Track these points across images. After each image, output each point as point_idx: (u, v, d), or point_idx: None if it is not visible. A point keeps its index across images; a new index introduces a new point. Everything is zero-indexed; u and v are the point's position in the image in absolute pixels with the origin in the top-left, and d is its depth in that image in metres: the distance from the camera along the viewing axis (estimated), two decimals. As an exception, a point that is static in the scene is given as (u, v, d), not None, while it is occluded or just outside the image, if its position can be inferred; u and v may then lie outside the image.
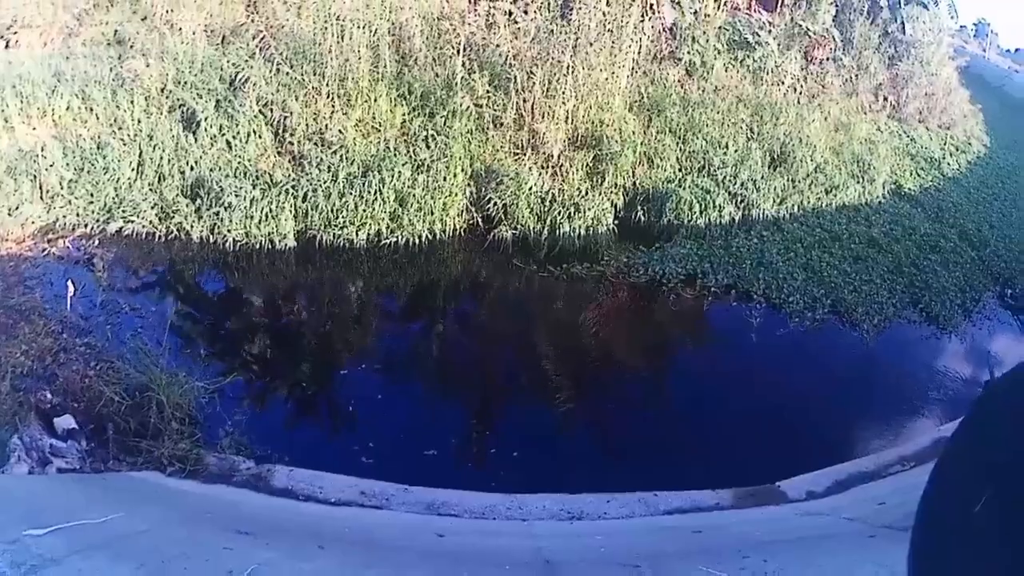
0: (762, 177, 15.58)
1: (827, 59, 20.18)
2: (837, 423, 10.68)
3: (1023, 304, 15.10)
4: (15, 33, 14.47)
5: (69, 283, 9.58)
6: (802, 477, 8.96)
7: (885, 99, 21.55)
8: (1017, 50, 38.34)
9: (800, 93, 18.81)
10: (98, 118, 12.97)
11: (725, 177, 15.24)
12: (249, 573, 4.38)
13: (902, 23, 22.08)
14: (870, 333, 12.70)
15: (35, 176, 11.93)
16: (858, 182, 17.10)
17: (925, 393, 11.74)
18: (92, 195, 12.03)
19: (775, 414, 10.41)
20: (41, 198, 11.86)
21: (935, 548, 1.17)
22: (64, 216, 11.84)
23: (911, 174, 19.18)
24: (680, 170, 15.17)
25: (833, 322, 12.90)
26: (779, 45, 18.85)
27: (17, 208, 11.61)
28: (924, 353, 12.93)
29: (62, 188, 11.96)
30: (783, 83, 18.44)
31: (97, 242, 11.74)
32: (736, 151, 15.74)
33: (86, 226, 11.85)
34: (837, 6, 20.99)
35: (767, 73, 18.48)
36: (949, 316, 13.69)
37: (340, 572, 5.08)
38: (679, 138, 15.56)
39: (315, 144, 13.12)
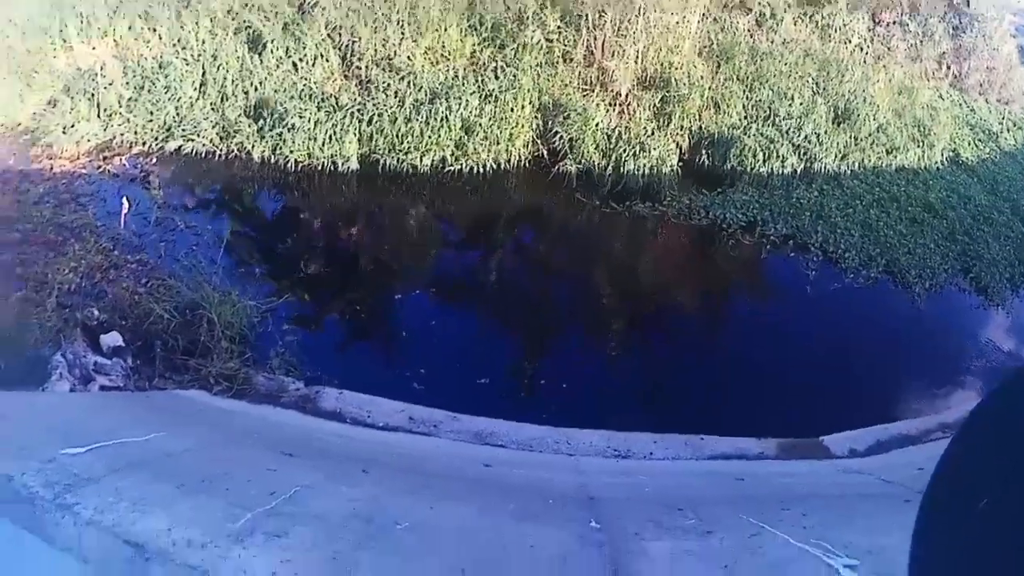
0: (825, 131, 15.45)
1: (894, 23, 19.98)
2: (883, 383, 10.72)
3: (1070, 286, 14.97)
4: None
5: (124, 200, 9.67)
6: (845, 434, 9.03)
7: (948, 68, 21.27)
8: (1076, 35, 37.75)
9: (866, 53, 18.62)
10: (161, 39, 13.00)
11: (789, 128, 15.11)
12: (291, 495, 4.40)
13: (967, -4, 21.86)
14: (921, 296, 12.68)
15: (93, 94, 11.97)
16: (918, 146, 16.93)
17: (969, 363, 11.80)
18: (152, 113, 12.09)
19: (824, 367, 10.50)
20: (99, 116, 11.91)
21: (936, 551, 1.16)
22: (122, 134, 11.90)
23: (969, 144, 18.96)
24: (745, 118, 15.06)
25: (886, 281, 12.88)
26: (848, 4, 18.67)
27: (73, 126, 11.65)
28: (971, 322, 12.95)
29: (120, 106, 12.02)
30: (850, 41, 18.26)
31: (155, 160, 11.81)
32: (801, 104, 15.59)
33: (144, 144, 11.92)
34: (905, -29, 20.66)
35: (835, 30, 18.30)
36: (998, 288, 13.65)
37: (385, 498, 5.07)
38: (746, 86, 15.45)
39: (383, 69, 13.11)
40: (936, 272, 13.31)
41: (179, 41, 12.99)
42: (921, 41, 20.34)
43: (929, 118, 17.69)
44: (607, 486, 6.73)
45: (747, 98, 15.29)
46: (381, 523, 4.31)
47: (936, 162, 17.14)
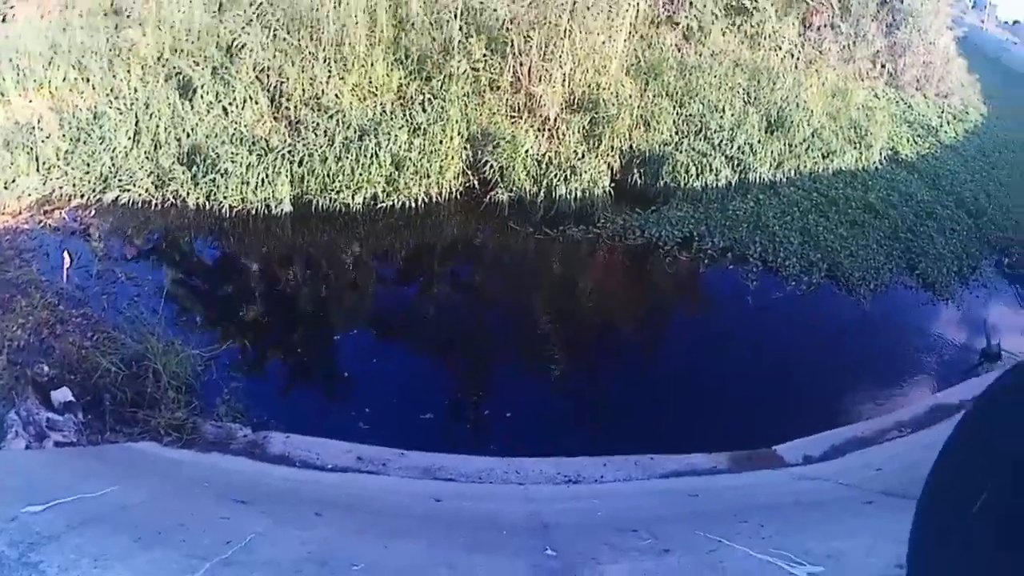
0: (759, 141, 15.56)
1: (825, 25, 20.12)
2: (833, 388, 10.77)
3: (1020, 272, 15.10)
4: (12, 7, 14.45)
5: (65, 254, 9.65)
6: (799, 441, 9.03)
7: (883, 66, 21.48)
8: (1016, 22, 38.10)
9: (797, 59, 18.76)
10: (94, 88, 13.01)
11: (722, 141, 15.21)
12: (246, 543, 4.41)
13: (900, -9, 22.03)
14: (866, 298, 12.79)
15: (31, 148, 11.93)
16: (855, 148, 17.07)
17: (921, 359, 11.86)
18: (88, 165, 12.06)
19: (771, 378, 10.57)
20: (37, 170, 11.88)
21: (934, 547, 1.17)
22: (60, 187, 11.88)
23: (908, 141, 19.13)
24: (677, 134, 15.13)
25: (829, 286, 12.99)
26: (776, 11, 18.78)
27: (13, 181, 11.62)
28: (920, 319, 13.01)
29: (58, 159, 12.00)
30: (780, 48, 18.37)
31: (93, 212, 11.79)
32: (733, 115, 15.69)
33: (82, 196, 11.89)
34: (836, -29, 20.82)
35: (764, 38, 18.43)
36: (946, 283, 13.77)
37: (337, 539, 5.09)
38: (676, 102, 15.53)
39: (311, 109, 13.13)
40: (880, 272, 13.43)
41: (112, 90, 12.98)
42: (854, 42, 20.53)
43: (865, 118, 17.86)
44: (559, 512, 6.75)
45: (677, 114, 15.36)
46: (335, 566, 4.34)
47: (875, 162, 17.32)
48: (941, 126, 20.92)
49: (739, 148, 15.19)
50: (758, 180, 15.18)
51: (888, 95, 20.93)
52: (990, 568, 1.03)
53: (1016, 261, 15.41)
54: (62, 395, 7.53)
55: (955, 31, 25.61)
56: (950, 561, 1.12)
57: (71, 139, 12.22)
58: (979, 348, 12.26)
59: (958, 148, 20.22)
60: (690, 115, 15.42)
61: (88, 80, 13.01)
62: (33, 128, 12.04)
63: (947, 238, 15.12)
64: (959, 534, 1.09)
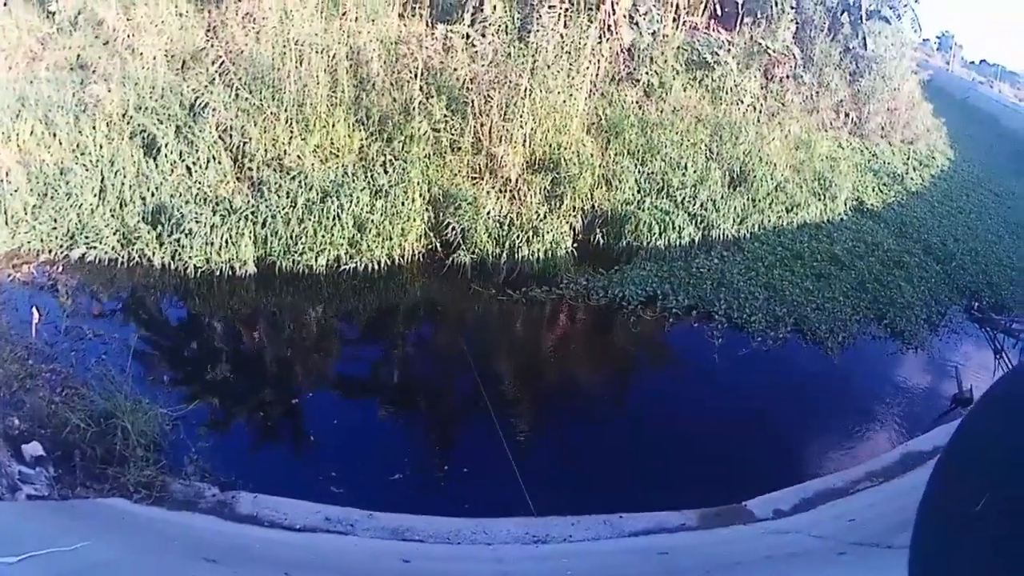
0: (722, 197, 15.69)
1: (787, 77, 20.35)
2: (803, 441, 10.87)
3: (990, 317, 15.22)
4: (-21, 60, 14.48)
5: (34, 310, 9.68)
6: (768, 496, 9.06)
7: (847, 115, 21.74)
8: (981, 62, 38.71)
9: (760, 112, 18.95)
10: (61, 143, 12.97)
11: (684, 198, 15.32)
12: None
13: (863, 39, 22.23)
14: (834, 350, 12.86)
15: (0, 201, 11.91)
16: (820, 199, 17.23)
17: (891, 408, 11.94)
18: (55, 221, 12.01)
19: (740, 434, 10.51)
20: (6, 223, 11.82)
21: (935, 550, 1.18)
22: (29, 242, 11.83)
23: (874, 190, 19.36)
24: (639, 192, 15.21)
25: (796, 340, 13.04)
26: (738, 64, 18.98)
27: (-18, 234, 11.60)
28: (890, 368, 13.11)
29: (26, 213, 11.96)
30: (742, 102, 18.56)
31: (61, 268, 11.75)
32: (695, 172, 15.83)
33: (50, 252, 11.84)
34: (797, 23, 21.17)
35: (726, 92, 18.62)
36: (915, 331, 13.90)
37: None
38: (638, 160, 15.65)
39: (274, 170, 13.13)
40: (848, 323, 13.54)
41: (78, 146, 12.95)
42: (817, 92, 20.77)
43: (829, 169, 18.06)
44: (528, 573, 6.88)
45: (639, 172, 15.47)
46: None
47: (840, 213, 17.49)
48: (907, 173, 21.17)
49: (702, 205, 15.30)
50: (721, 236, 15.27)
51: (852, 144, 21.20)
52: (992, 570, 1.04)
53: (986, 305, 15.56)
54: (33, 449, 7.52)
55: (920, 74, 26.01)
56: (951, 563, 1.13)
57: (38, 194, 12.17)
58: (950, 394, 12.41)
59: (924, 194, 20.46)
60: (652, 173, 15.53)
61: (55, 135, 12.97)
62: (1, 181, 12.02)
63: (915, 286, 15.28)
64: (960, 537, 1.10)
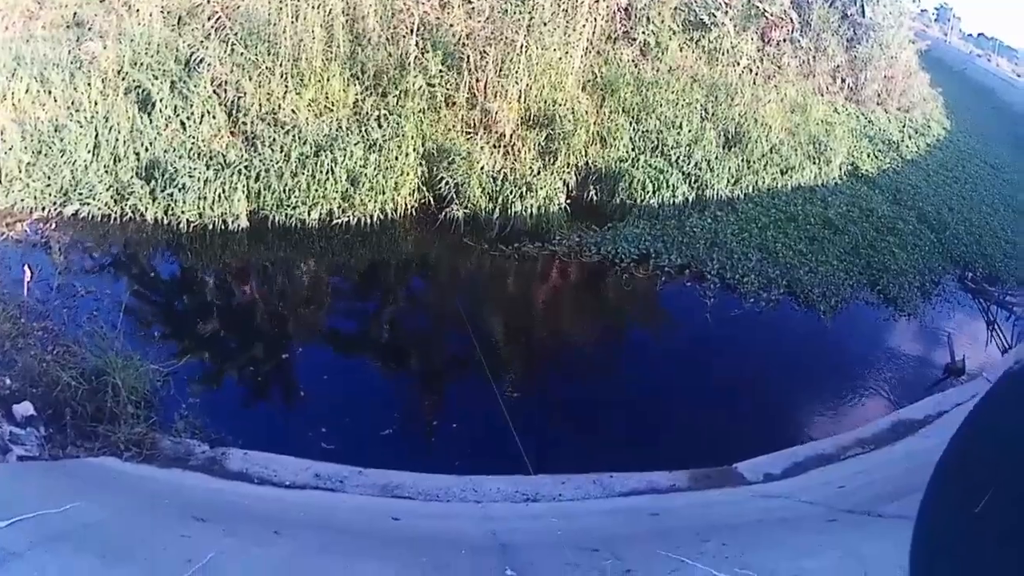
0: (716, 158, 15.69)
1: (784, 40, 20.27)
2: (794, 405, 10.86)
3: (984, 288, 15.23)
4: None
5: (26, 268, 9.59)
6: (759, 459, 9.03)
7: (843, 81, 21.69)
8: (979, 35, 38.58)
9: (756, 74, 18.91)
10: (56, 101, 12.92)
11: (679, 157, 15.33)
12: (207, 561, 4.41)
13: (862, 6, 22.15)
14: (827, 314, 12.86)
15: (-6, 160, 11.89)
16: (814, 163, 17.22)
17: (883, 375, 11.92)
18: (49, 178, 11.96)
19: (731, 395, 10.53)
20: (0, 182, 11.81)
21: (937, 548, 1.16)
22: (22, 199, 11.78)
23: (869, 156, 19.33)
24: (633, 150, 15.22)
25: (789, 302, 13.05)
26: (735, 25, 18.90)
27: (-23, 192, 11.58)
28: (882, 335, 13.14)
29: (20, 172, 11.91)
30: (739, 64, 18.51)
31: (54, 225, 11.71)
32: (690, 131, 15.80)
33: (43, 209, 11.81)
34: (795, -14, 20.94)
35: (722, 54, 18.57)
36: (908, 298, 13.90)
37: (299, 558, 5.10)
38: (632, 118, 15.63)
39: (268, 124, 13.10)
40: (841, 288, 13.53)
41: (73, 103, 12.90)
42: (814, 56, 20.68)
43: (825, 134, 17.99)
44: (518, 531, 6.73)
45: (634, 130, 15.46)
46: None
47: (834, 177, 17.47)
48: (902, 140, 21.11)
49: (696, 164, 15.31)
50: (715, 196, 15.31)
51: (848, 110, 21.15)
52: (993, 568, 1.04)
53: (980, 276, 15.55)
54: (24, 409, 7.50)
55: (918, 44, 25.89)
56: (953, 562, 1.12)
57: (33, 151, 12.13)
58: (942, 363, 12.41)
59: (920, 163, 20.42)
60: (647, 131, 15.52)
61: (50, 92, 12.91)
62: (-4, 139, 12.02)
63: (909, 253, 15.29)
64: (962, 534, 1.10)
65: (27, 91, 12.88)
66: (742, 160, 16.03)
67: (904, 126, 22.18)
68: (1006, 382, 1.16)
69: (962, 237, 16.92)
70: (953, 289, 15.28)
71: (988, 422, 1.14)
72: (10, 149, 11.97)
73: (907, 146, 20.96)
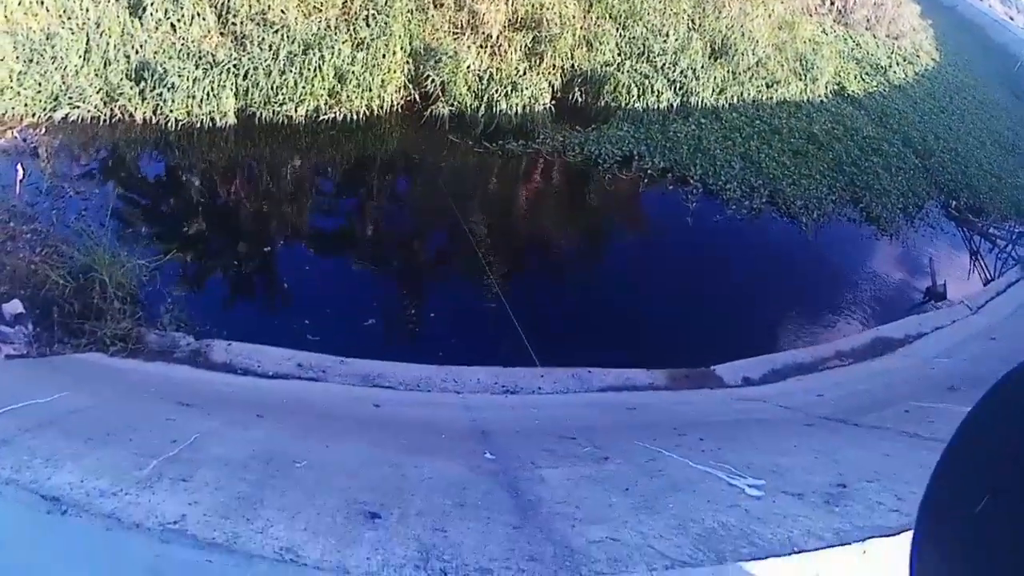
0: (702, 67, 15.77)
1: (774, -43, 20.27)
2: (774, 313, 11.09)
3: (967, 217, 15.38)
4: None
5: (19, 167, 9.75)
6: (738, 363, 9.31)
7: (832, 3, 21.71)
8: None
9: (743, -12, 18.92)
10: (48, 10, 12.93)
11: (664, 64, 15.40)
12: (192, 442, 4.57)
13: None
14: (808, 227, 13.06)
15: (-15, 70, 11.96)
16: (800, 80, 17.31)
17: (863, 292, 12.19)
18: (40, 85, 11.99)
19: (711, 300, 10.80)
20: (-9, 91, 11.91)
21: (936, 549, 1.16)
22: (13, 108, 11.84)
23: (855, 77, 19.40)
24: (619, 55, 15.29)
25: (771, 213, 13.23)
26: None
27: (-33, 104, 11.67)
28: (863, 252, 13.37)
29: (11, 81, 11.98)
30: (727, -24, 18.52)
31: (44, 130, 11.78)
32: (677, 40, 15.85)
33: (33, 116, 11.84)
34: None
35: (712, -35, 18.56)
36: (890, 218, 14.11)
37: (280, 440, 5.26)
38: (619, 24, 15.66)
39: (257, 24, 13.12)
40: (823, 202, 13.73)
41: (65, 11, 12.95)
42: (802, -24, 20.65)
43: (812, 52, 18.04)
44: (497, 420, 6.91)
45: (620, 36, 15.50)
46: (280, 463, 4.46)
47: (820, 95, 17.57)
48: (890, 66, 21.17)
49: (682, 72, 15.40)
50: (700, 104, 15.42)
51: (836, 32, 21.20)
52: (994, 569, 1.02)
53: (964, 204, 15.69)
54: (13, 308, 7.68)
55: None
56: (953, 563, 1.11)
57: (24, 61, 12.17)
58: (923, 286, 12.66)
59: (907, 90, 20.48)
60: (633, 37, 15.57)
61: (42, 3, 12.94)
62: (-14, 51, 12.08)
63: (892, 175, 15.46)
64: (961, 535, 1.08)
65: (20, 3, 12.90)
66: (728, 71, 16.13)
67: (893, 52, 22.19)
68: (1006, 382, 1.13)
69: (947, 165, 17.05)
70: (937, 215, 15.47)
71: (988, 422, 1.14)
72: (2, 59, 12.03)
73: (895, 72, 21.00)
